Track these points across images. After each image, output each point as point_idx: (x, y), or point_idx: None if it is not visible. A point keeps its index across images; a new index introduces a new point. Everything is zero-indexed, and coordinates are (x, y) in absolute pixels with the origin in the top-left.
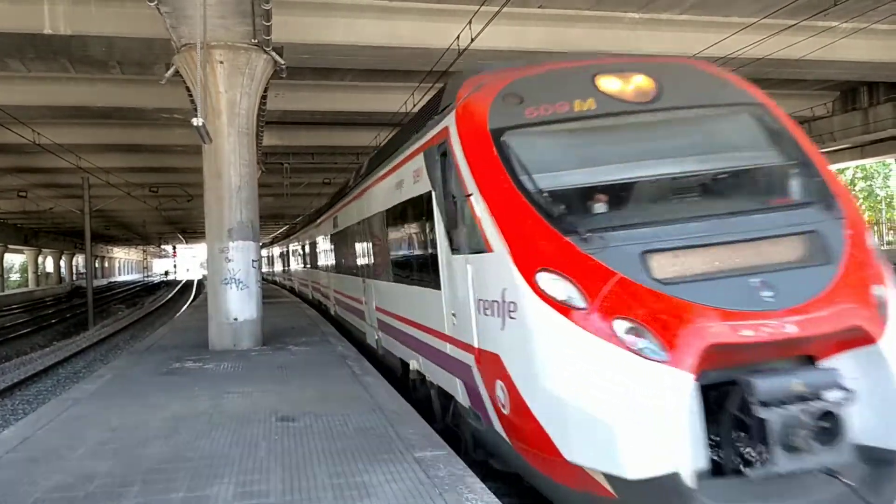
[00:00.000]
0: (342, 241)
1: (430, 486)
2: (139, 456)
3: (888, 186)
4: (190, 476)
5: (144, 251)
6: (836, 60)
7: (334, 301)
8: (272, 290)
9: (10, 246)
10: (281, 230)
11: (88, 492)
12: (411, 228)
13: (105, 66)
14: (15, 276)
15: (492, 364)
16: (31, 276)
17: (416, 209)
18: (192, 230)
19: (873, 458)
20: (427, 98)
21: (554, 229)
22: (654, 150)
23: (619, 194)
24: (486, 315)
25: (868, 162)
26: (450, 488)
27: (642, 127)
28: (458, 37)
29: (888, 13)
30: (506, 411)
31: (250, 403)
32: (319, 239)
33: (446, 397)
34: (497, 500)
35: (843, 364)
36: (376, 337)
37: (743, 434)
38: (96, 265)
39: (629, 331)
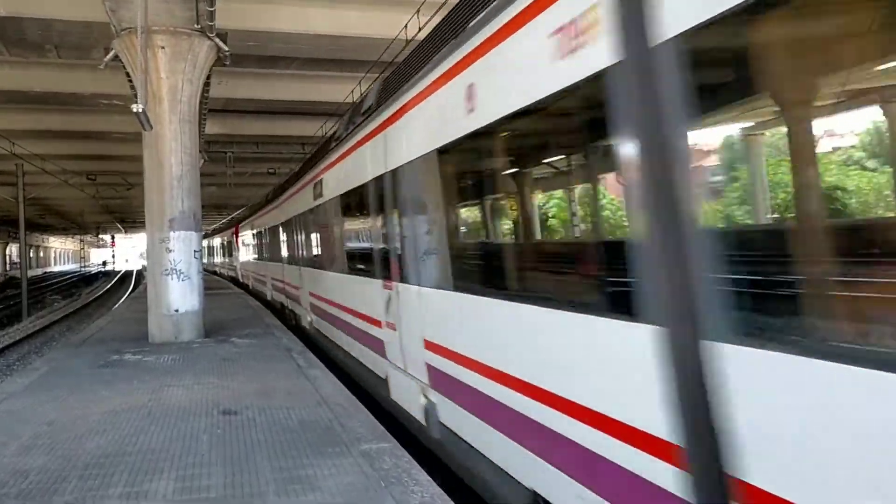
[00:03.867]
0: (330, 218)
1: (375, 479)
2: (76, 451)
3: None
4: (129, 471)
5: (82, 241)
6: None
7: (310, 308)
8: (215, 281)
9: None
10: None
11: (22, 489)
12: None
13: (41, 49)
14: None
15: None
16: None
17: None
18: (131, 219)
19: None
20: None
21: None
22: None
23: None
24: None
25: None
26: (396, 481)
27: None
28: (405, 26)
29: None
30: None
31: (192, 397)
32: (288, 220)
33: None
34: (443, 491)
35: None
36: (423, 400)
37: None
38: (31, 255)
39: None
